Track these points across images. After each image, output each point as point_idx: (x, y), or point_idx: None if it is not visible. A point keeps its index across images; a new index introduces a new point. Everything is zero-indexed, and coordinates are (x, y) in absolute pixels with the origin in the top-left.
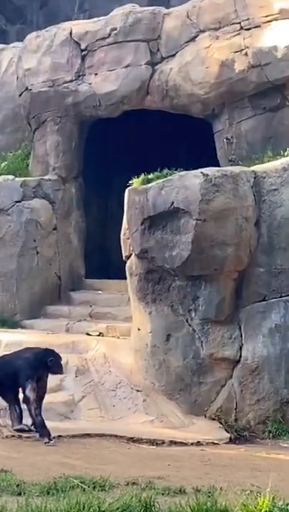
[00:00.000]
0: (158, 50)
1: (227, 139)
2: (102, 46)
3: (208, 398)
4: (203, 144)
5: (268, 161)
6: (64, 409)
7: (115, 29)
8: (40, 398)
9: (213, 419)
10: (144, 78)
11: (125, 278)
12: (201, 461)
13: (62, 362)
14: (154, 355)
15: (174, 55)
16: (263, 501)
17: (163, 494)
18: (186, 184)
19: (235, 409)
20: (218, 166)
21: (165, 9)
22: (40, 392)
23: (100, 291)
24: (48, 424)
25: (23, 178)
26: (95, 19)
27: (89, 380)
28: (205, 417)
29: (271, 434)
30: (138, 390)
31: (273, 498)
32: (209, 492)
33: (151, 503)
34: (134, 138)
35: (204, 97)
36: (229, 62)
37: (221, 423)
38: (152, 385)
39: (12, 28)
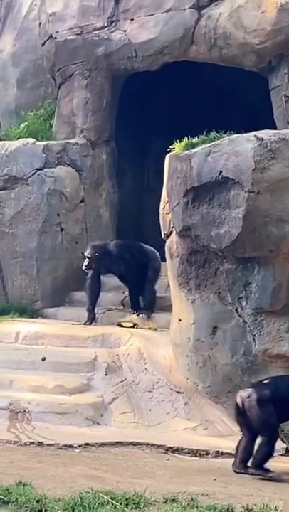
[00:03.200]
0: None
1: (286, 96)
2: None
3: None
4: (258, 102)
5: None
6: (92, 413)
7: None
8: None
9: None
10: (188, 25)
11: (164, 260)
12: (252, 476)
13: (91, 358)
14: (198, 350)
15: None
16: None
17: None
18: (236, 150)
19: None
20: (275, 128)
21: None
22: None
23: None
24: (74, 429)
25: (45, 142)
26: None
27: (121, 380)
28: None
29: None
30: (178, 392)
31: None
32: None
33: None
34: (176, 95)
35: (259, 46)
36: None
37: None
38: (195, 386)
39: None
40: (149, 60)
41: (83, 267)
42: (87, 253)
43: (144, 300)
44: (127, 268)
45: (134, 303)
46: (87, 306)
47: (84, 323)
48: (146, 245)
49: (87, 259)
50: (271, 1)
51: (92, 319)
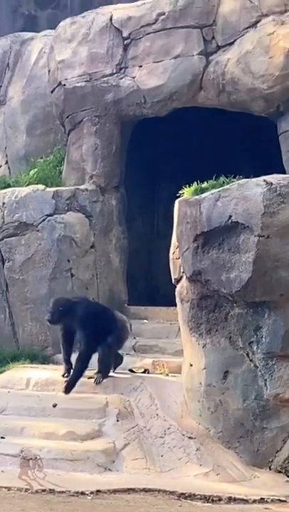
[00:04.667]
0: (213, 37)
1: None
2: (148, 34)
3: (274, 447)
4: (266, 147)
5: None
6: (104, 459)
7: (163, 14)
8: None
9: (280, 472)
10: (196, 71)
11: (175, 305)
12: None
13: (102, 404)
14: (209, 395)
15: (231, 44)
16: None
17: None
18: (246, 194)
19: None
20: (285, 172)
21: None
22: None
23: (145, 321)
24: (86, 476)
25: (55, 188)
26: (140, 2)
27: (133, 425)
28: (269, 469)
29: None
30: (190, 437)
31: None
32: None
33: None
34: (185, 140)
35: (267, 92)
36: None
37: (288, 476)
38: (207, 431)
39: (42, 13)
40: (158, 106)
41: (46, 320)
42: (49, 308)
43: (100, 363)
44: (84, 334)
45: (80, 371)
46: (63, 357)
47: (62, 375)
48: (118, 313)
49: (49, 314)
50: (279, 47)
51: (68, 370)
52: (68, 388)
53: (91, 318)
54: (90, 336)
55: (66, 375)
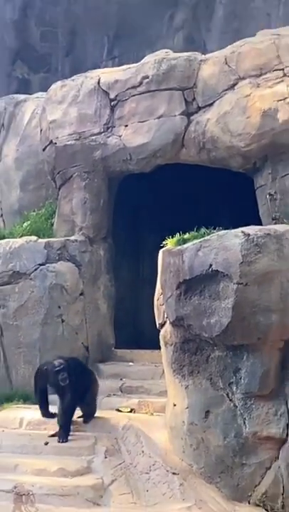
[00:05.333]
0: (194, 99)
1: (270, 194)
2: (133, 96)
3: (252, 482)
4: (244, 200)
5: None
6: (92, 495)
7: (147, 77)
8: None
9: (258, 506)
10: (178, 130)
11: (159, 348)
12: None
13: (91, 442)
14: (192, 433)
15: (211, 105)
16: None
17: None
18: (225, 245)
19: (282, 494)
20: (261, 224)
21: (201, 55)
22: None
23: (131, 363)
24: (75, 511)
25: (47, 239)
26: (125, 66)
27: (120, 462)
28: (249, 503)
29: None
30: (174, 473)
31: None
32: None
33: None
34: (168, 195)
35: (245, 149)
36: (272, 112)
37: (266, 510)
38: (190, 468)
39: (35, 77)
40: (143, 163)
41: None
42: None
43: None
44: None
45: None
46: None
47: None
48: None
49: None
50: (255, 107)
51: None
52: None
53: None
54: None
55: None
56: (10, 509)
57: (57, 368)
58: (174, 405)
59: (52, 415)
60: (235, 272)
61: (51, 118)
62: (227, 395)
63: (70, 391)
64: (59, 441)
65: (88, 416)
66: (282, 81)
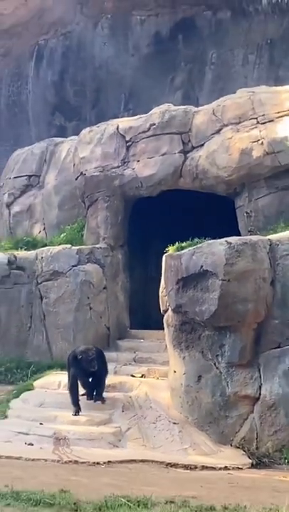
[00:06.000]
0: (189, 141)
1: (247, 213)
2: (143, 138)
3: (234, 429)
4: (227, 217)
5: (281, 231)
6: (113, 439)
7: (154, 124)
8: None
9: (238, 448)
10: (177, 164)
11: (163, 329)
12: (228, 483)
13: (112, 400)
14: (188, 393)
15: (202, 145)
16: None
17: (196, 511)
18: (213, 251)
19: (256, 438)
20: (240, 235)
21: (195, 107)
22: None
23: (142, 340)
24: (100, 451)
25: (78, 247)
26: (137, 116)
27: (133, 415)
28: (231, 445)
29: (287, 460)
30: (174, 423)
31: None
32: (235, 510)
33: None
34: (170, 213)
35: (228, 178)
36: (248, 150)
37: (244, 451)
38: (186, 419)
39: (69, 124)
40: (151, 189)
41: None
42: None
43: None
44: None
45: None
46: (72, 401)
47: (74, 415)
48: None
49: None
50: (236, 147)
51: (77, 411)
52: (101, 399)
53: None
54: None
55: (76, 414)
56: (51, 450)
57: (91, 357)
58: (175, 372)
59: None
60: (220, 271)
61: (82, 155)
62: (214, 364)
63: (98, 372)
64: (96, 401)
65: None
66: (256, 127)
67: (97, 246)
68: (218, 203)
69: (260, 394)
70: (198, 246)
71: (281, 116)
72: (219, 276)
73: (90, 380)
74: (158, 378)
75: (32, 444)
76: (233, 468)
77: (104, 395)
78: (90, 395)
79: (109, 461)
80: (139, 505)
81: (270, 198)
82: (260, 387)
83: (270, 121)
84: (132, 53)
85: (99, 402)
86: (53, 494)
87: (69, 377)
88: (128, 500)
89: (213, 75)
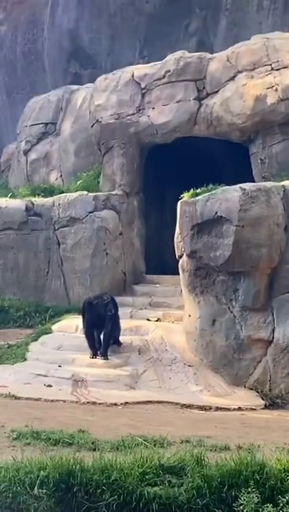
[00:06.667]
0: (204, 88)
1: (261, 159)
2: (158, 85)
3: (247, 372)
4: (241, 163)
5: None
6: (129, 381)
7: (169, 71)
8: None
9: (251, 389)
10: (192, 111)
11: (178, 274)
12: (241, 424)
13: (129, 342)
14: (202, 336)
15: (216, 92)
16: None
17: (211, 450)
18: (227, 197)
19: (269, 380)
20: (254, 181)
21: (209, 54)
22: None
23: (157, 285)
24: (117, 393)
25: (94, 193)
26: (152, 63)
27: (149, 357)
28: (244, 387)
29: None
30: (189, 365)
31: None
32: (249, 449)
33: (202, 457)
34: (185, 160)
35: (242, 125)
36: (262, 97)
37: (257, 392)
38: (201, 361)
39: (85, 72)
40: (166, 136)
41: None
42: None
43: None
44: (110, 317)
45: (108, 344)
46: (88, 345)
47: (91, 357)
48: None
49: (112, 307)
50: (250, 94)
51: (94, 353)
52: (105, 355)
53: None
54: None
55: (93, 357)
56: (69, 391)
57: (106, 301)
58: (189, 316)
59: (97, 348)
60: (234, 217)
61: (97, 103)
62: (228, 308)
63: (113, 318)
64: (106, 358)
65: (117, 338)
66: (270, 73)
67: (113, 193)
68: (232, 150)
69: (273, 337)
70: (212, 192)
71: None
72: (233, 222)
73: (103, 329)
74: (173, 322)
75: (51, 386)
76: (247, 409)
77: (121, 338)
78: (103, 352)
79: (126, 402)
80: (155, 445)
81: (284, 144)
82: (273, 331)
83: (284, 68)
84: (146, 0)
85: (116, 345)
86: (72, 434)
87: (84, 323)
88: (144, 440)
89: (228, 21)
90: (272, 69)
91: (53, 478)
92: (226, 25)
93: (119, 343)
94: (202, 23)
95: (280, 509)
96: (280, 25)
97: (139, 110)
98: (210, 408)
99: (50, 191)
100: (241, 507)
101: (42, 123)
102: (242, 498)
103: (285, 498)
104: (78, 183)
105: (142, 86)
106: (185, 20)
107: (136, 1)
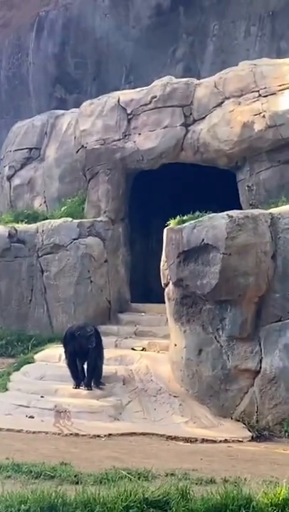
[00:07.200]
0: (190, 113)
1: (248, 186)
2: (145, 111)
3: (234, 403)
4: (228, 190)
5: (282, 205)
6: (113, 412)
7: (155, 97)
8: None
9: (238, 421)
10: (179, 137)
11: (164, 302)
12: (228, 456)
13: (113, 372)
14: (188, 366)
15: (203, 118)
16: (281, 490)
17: (196, 484)
18: (214, 224)
19: (256, 412)
20: (241, 209)
21: (196, 80)
22: None
23: (143, 313)
24: (100, 424)
25: (79, 220)
26: (139, 89)
27: (134, 388)
28: (231, 418)
29: (287, 434)
30: (175, 396)
31: None
32: (235, 482)
33: (187, 491)
34: (171, 186)
35: (229, 152)
36: (250, 124)
37: (244, 424)
38: (187, 392)
39: (70, 96)
40: (152, 162)
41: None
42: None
43: (97, 374)
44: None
45: (92, 374)
46: (72, 375)
47: (74, 387)
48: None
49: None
50: (237, 120)
51: (77, 384)
52: (89, 386)
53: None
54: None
55: (77, 387)
56: (52, 423)
57: (89, 333)
58: (175, 345)
59: (80, 379)
60: (221, 245)
61: (82, 128)
62: (215, 337)
63: (95, 351)
64: (90, 389)
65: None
66: (258, 100)
67: (98, 219)
68: (219, 177)
69: (260, 367)
70: (199, 219)
71: (283, 89)
72: (220, 250)
73: (86, 364)
74: (159, 352)
75: (33, 417)
76: (234, 441)
77: (105, 368)
78: (87, 382)
79: (109, 434)
80: (139, 478)
81: (271, 171)
82: (260, 361)
83: (272, 94)
84: (132, 25)
85: (96, 388)
86: (54, 467)
87: (66, 354)
88: (129, 473)
89: (215, 47)
90: (259, 95)
91: None
92: (213, 51)
93: (100, 386)
94: (189, 49)
95: None
96: (267, 52)
97: (125, 136)
98: (196, 440)
99: (33, 217)
100: None
101: (26, 148)
102: None
103: None
104: (63, 209)
105: (128, 111)
106: (172, 46)
107: (122, 25)
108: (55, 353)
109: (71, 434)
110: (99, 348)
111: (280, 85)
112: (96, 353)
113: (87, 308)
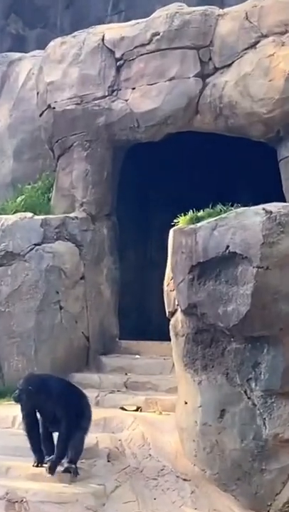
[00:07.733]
0: (210, 59)
1: None
2: (142, 55)
3: (273, 490)
4: (265, 174)
5: None
6: (93, 502)
7: (157, 34)
8: None
9: None
10: (192, 94)
11: (168, 339)
12: None
13: (93, 443)
14: (205, 435)
15: (229, 66)
16: None
17: None
18: (244, 223)
19: None
20: (284, 201)
21: (219, 9)
22: None
23: (137, 356)
24: None
25: (43, 216)
26: (133, 22)
27: (124, 466)
28: None
29: None
30: (185, 479)
31: None
32: None
33: None
34: (180, 167)
35: (267, 116)
36: None
37: None
38: (202, 473)
39: (31, 32)
40: (152, 131)
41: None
42: (19, 385)
43: (72, 449)
44: (66, 411)
45: (63, 451)
46: (31, 447)
47: (34, 465)
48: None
49: (18, 391)
50: (279, 69)
51: (40, 459)
52: (53, 469)
53: (68, 397)
54: (72, 417)
55: (39, 465)
56: None
57: (55, 391)
58: (186, 403)
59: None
60: (255, 254)
61: (49, 79)
62: (245, 392)
63: (69, 414)
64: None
65: (71, 463)
66: None
67: (72, 215)
68: (251, 154)
69: None
70: (222, 216)
71: None
72: (254, 262)
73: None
74: (160, 413)
75: None
76: None
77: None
78: (52, 464)
79: None
80: None
81: None
82: None
83: None
84: None
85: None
86: None
87: (23, 417)
88: None
89: None
90: None
91: None
92: None
93: (74, 472)
94: None
95: None
96: None
97: (113, 92)
98: None
99: None
100: None
101: None
102: None
103: None
104: (18, 200)
105: (118, 55)
106: None
107: None
108: (6, 415)
109: None
110: (77, 410)
111: None
112: (69, 419)
113: (55, 347)
